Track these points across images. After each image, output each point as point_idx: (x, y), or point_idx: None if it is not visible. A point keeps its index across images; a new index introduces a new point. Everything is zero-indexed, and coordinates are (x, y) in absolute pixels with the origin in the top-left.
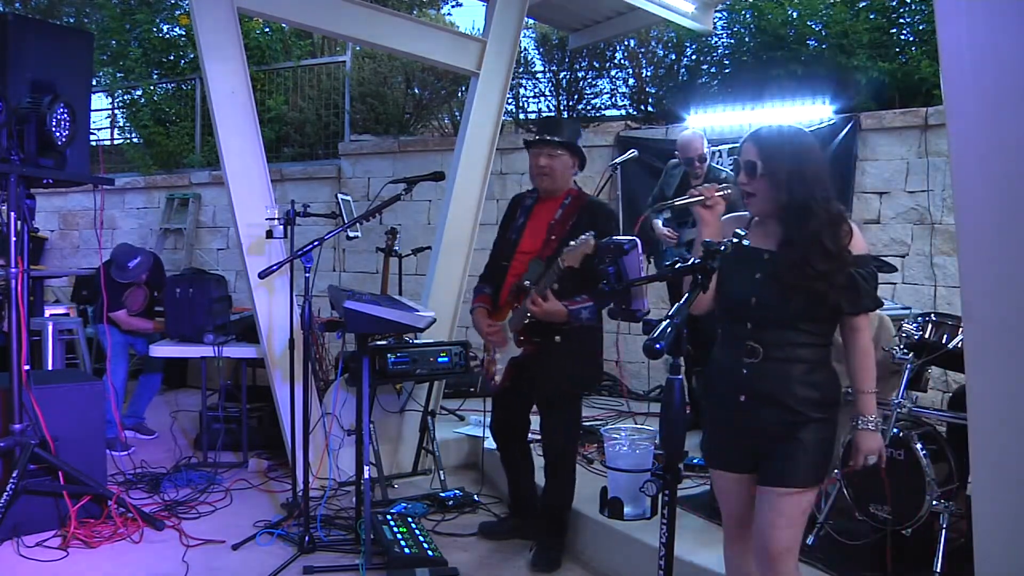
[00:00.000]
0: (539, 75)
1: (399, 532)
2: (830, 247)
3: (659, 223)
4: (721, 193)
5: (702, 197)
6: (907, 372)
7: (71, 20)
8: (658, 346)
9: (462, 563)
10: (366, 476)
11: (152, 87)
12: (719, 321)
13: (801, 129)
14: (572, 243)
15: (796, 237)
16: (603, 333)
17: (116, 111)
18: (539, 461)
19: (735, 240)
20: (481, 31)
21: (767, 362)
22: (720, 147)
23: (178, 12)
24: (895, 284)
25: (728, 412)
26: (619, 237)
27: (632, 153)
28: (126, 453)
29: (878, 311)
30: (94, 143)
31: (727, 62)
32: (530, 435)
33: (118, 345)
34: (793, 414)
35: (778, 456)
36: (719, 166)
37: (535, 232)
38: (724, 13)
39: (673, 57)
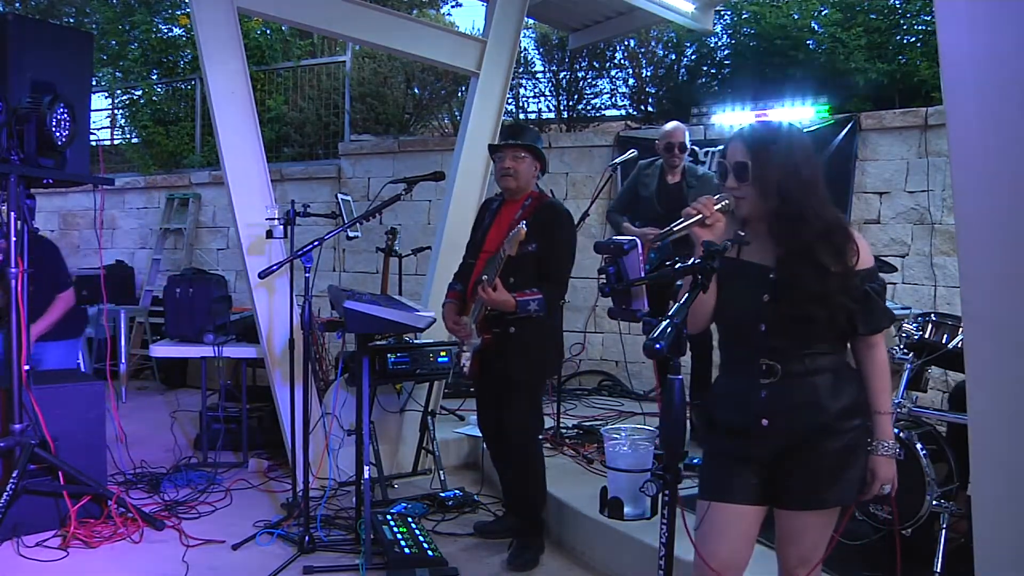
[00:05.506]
0: (539, 75)
1: (399, 532)
2: (826, 262)
3: (628, 224)
4: (720, 207)
5: (700, 216)
6: (907, 372)
7: (71, 20)
8: (658, 346)
9: (462, 563)
10: (366, 476)
11: (152, 87)
12: (721, 346)
13: (794, 126)
14: (510, 234)
15: (788, 250)
16: (562, 327)
17: (116, 111)
18: None
19: (735, 241)
20: (481, 31)
21: (789, 379)
22: (721, 147)
23: (178, 12)
24: (895, 284)
25: (742, 442)
26: (619, 237)
27: (632, 153)
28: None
29: None
30: (94, 143)
31: (727, 62)
32: None
33: None
34: (826, 429)
35: (805, 477)
36: (695, 164)
37: (499, 232)
38: (724, 13)
39: (673, 57)
